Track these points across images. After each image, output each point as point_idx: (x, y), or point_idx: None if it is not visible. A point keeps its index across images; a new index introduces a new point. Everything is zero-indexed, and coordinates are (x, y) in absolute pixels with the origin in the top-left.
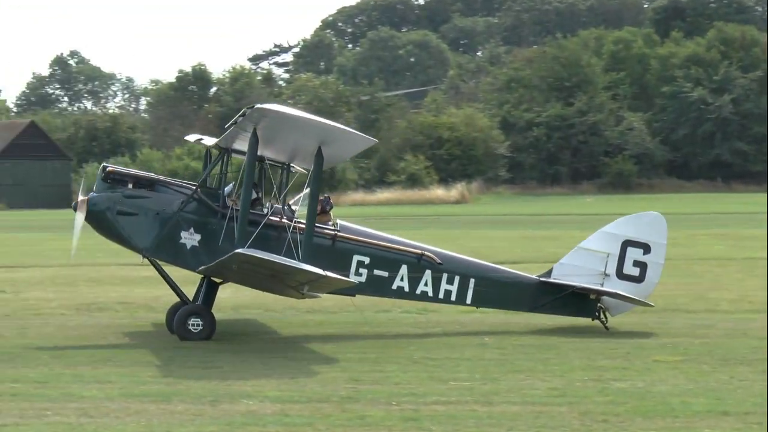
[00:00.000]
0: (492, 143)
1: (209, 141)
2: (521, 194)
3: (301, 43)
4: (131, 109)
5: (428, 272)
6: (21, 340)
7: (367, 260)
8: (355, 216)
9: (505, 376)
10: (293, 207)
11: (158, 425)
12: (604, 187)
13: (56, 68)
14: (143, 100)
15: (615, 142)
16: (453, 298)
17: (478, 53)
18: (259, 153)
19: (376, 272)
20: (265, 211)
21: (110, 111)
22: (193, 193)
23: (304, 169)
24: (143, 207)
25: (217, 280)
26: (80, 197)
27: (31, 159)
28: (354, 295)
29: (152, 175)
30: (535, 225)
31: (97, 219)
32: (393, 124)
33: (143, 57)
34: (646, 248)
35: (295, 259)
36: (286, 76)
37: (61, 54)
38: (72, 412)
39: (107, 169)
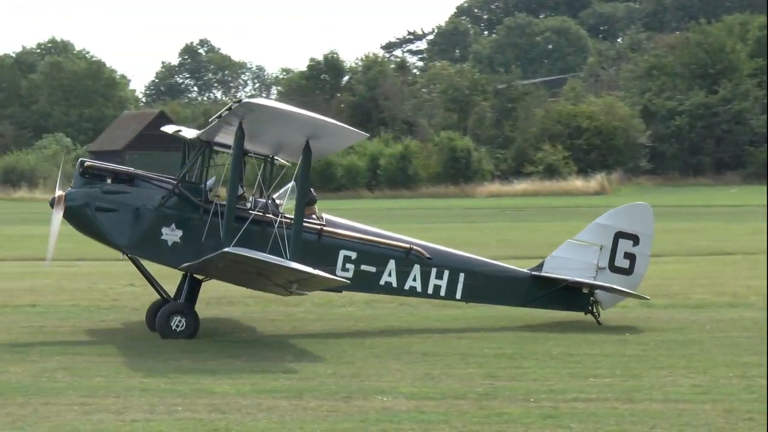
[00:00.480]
0: (633, 133)
1: (188, 133)
2: (663, 185)
3: (436, 30)
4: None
5: (417, 267)
6: (151, 334)
7: (354, 255)
8: (491, 207)
9: (647, 373)
10: (277, 201)
11: (291, 422)
12: (749, 177)
13: (186, 57)
14: (274, 90)
15: (761, 131)
16: (442, 293)
17: (619, 40)
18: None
19: (364, 267)
20: (249, 205)
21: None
22: (174, 188)
23: (287, 161)
24: (123, 203)
25: (200, 277)
26: (57, 193)
27: (161, 150)
28: (340, 291)
29: (131, 169)
30: (677, 217)
31: (75, 215)
32: (530, 113)
33: (274, 45)
34: (635, 240)
35: (280, 255)
36: (421, 64)
37: (191, 43)
38: (203, 408)
39: (85, 164)
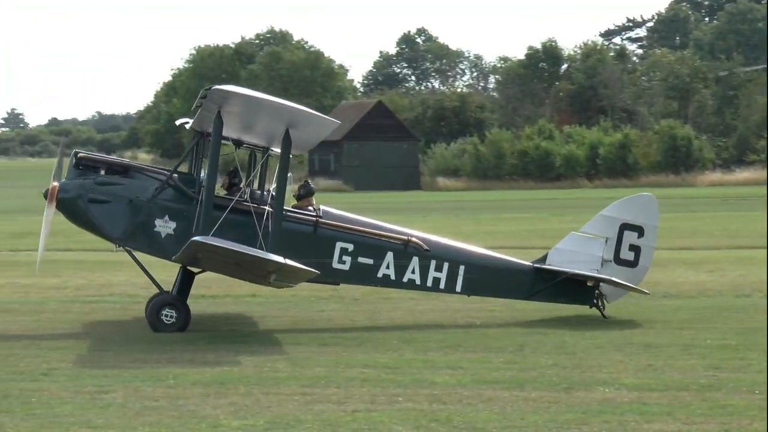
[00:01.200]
0: None
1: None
2: None
3: (656, 17)
4: (480, 87)
5: (415, 259)
6: (371, 324)
7: (350, 247)
8: (713, 197)
9: None
10: (273, 193)
11: (512, 413)
12: None
13: (403, 47)
14: (492, 78)
15: None
16: (442, 286)
17: None
18: (235, 137)
19: (361, 260)
20: (245, 196)
21: (458, 90)
22: (168, 179)
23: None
24: (116, 194)
25: (195, 270)
26: (51, 184)
27: (378, 140)
28: (338, 284)
29: (126, 161)
30: None
31: (68, 207)
32: (753, 101)
33: (492, 33)
34: (640, 231)
35: (270, 247)
36: (640, 51)
37: (409, 32)
38: (424, 399)
39: (78, 155)
